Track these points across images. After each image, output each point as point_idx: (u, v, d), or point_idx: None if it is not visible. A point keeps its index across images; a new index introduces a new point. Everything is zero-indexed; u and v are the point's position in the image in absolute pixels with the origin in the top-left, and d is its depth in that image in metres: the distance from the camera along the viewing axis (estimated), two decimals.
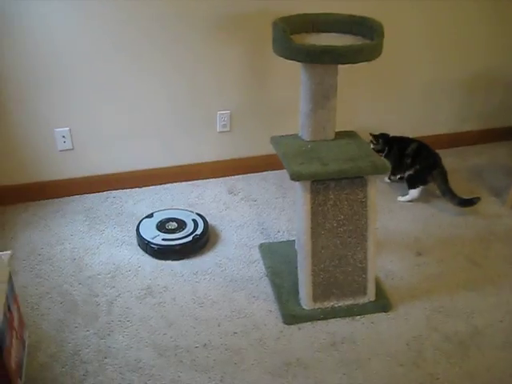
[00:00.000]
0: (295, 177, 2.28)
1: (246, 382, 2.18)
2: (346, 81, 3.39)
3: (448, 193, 3.29)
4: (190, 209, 3.21)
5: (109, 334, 2.40)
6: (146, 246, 2.87)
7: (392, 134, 3.63)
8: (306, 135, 2.52)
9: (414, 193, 3.42)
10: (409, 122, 3.95)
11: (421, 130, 3.91)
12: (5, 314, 1.63)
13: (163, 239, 2.89)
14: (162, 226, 2.99)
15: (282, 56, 2.32)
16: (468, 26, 3.81)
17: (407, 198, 3.44)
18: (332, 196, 2.36)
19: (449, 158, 3.71)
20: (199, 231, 2.96)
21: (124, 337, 2.39)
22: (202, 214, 3.13)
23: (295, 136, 2.58)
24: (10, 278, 1.76)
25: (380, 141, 3.51)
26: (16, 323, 1.74)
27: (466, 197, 3.28)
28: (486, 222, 3.24)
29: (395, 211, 3.33)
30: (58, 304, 2.57)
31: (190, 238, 2.90)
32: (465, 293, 2.68)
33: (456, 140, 4.09)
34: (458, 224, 3.22)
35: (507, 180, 3.41)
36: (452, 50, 3.86)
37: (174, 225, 3.01)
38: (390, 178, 3.65)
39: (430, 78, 3.91)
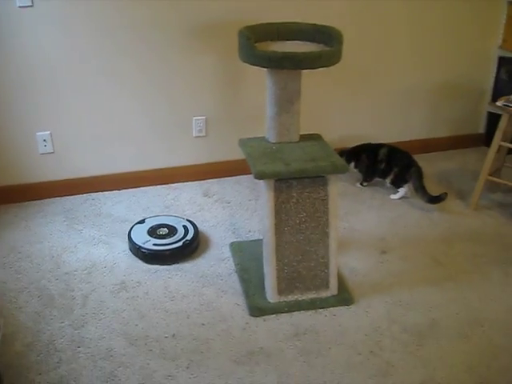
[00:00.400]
0: (259, 176, 2.41)
1: (211, 369, 2.30)
2: (319, 88, 3.58)
3: (421, 190, 3.50)
4: (180, 215, 3.31)
5: (83, 326, 2.52)
6: (137, 250, 2.97)
7: (365, 140, 3.79)
8: (271, 137, 2.66)
9: (402, 190, 3.64)
10: (382, 129, 4.11)
11: (393, 136, 4.06)
12: None
13: (154, 244, 2.98)
14: (153, 232, 3.06)
15: (246, 62, 2.46)
16: (437, 36, 3.98)
17: (398, 195, 3.66)
18: (294, 194, 2.50)
19: (419, 163, 3.86)
20: (189, 237, 3.04)
21: (97, 328, 2.51)
22: (192, 220, 3.23)
23: (262, 138, 2.72)
24: None
25: (343, 157, 3.64)
26: None
27: (435, 194, 3.46)
28: (450, 223, 3.38)
29: (363, 212, 3.47)
30: (36, 298, 2.69)
31: (180, 244, 2.98)
32: (425, 288, 2.82)
33: (427, 146, 4.24)
34: (423, 225, 3.36)
35: (473, 184, 3.56)
36: (422, 58, 4.04)
37: (165, 230, 3.08)
38: (362, 184, 3.79)
39: (402, 86, 4.07)
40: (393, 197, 3.66)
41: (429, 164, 3.97)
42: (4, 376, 2.18)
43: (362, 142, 3.79)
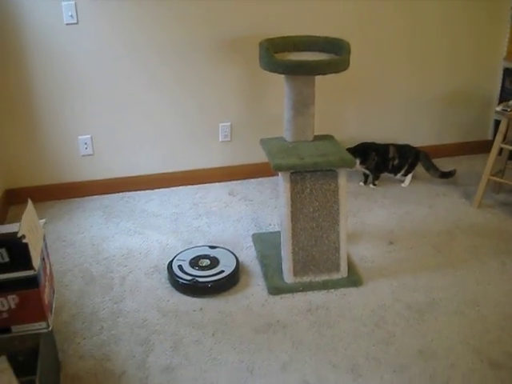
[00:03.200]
0: (277, 168, 2.76)
1: (233, 336, 2.63)
2: (334, 95, 3.94)
3: (432, 168, 4.08)
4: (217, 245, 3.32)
5: (121, 300, 2.87)
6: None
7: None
8: (288, 137, 3.01)
9: (410, 176, 4.16)
10: (391, 134, 4.42)
11: (402, 141, 4.36)
12: (42, 259, 2.11)
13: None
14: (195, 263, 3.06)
15: (266, 70, 2.81)
16: (446, 47, 4.32)
17: (409, 180, 4.17)
18: (308, 185, 2.83)
19: None
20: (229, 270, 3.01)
21: (133, 302, 2.86)
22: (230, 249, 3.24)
23: (280, 138, 3.06)
24: (45, 237, 2.25)
25: None
26: (48, 272, 2.21)
27: (445, 170, 4.06)
28: (454, 219, 3.67)
29: (374, 209, 3.79)
30: (79, 278, 3.05)
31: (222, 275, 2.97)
32: (427, 273, 3.11)
33: (436, 151, 4.52)
34: (429, 220, 3.66)
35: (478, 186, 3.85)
36: (432, 68, 4.37)
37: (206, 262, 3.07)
38: (374, 184, 4.11)
39: (412, 93, 4.40)
40: (404, 184, 4.14)
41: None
42: (55, 340, 2.52)
43: (361, 142, 4.15)
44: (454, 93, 4.46)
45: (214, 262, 3.07)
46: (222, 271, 2.98)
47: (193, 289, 2.91)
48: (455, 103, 4.52)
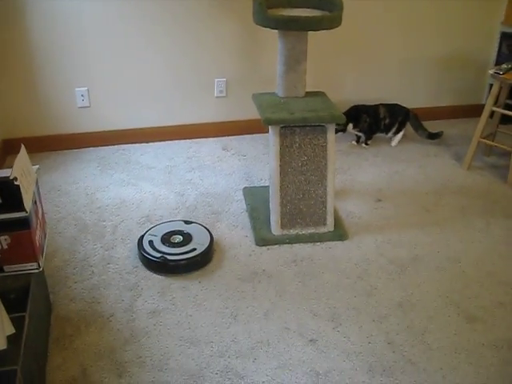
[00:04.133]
0: (266, 121, 2.81)
1: (219, 283, 2.71)
2: (329, 53, 3.97)
3: (420, 128, 4.18)
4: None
5: (112, 248, 2.95)
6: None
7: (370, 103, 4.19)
8: (280, 92, 3.05)
9: (401, 134, 4.21)
10: (386, 94, 4.44)
11: (398, 102, 4.40)
12: (34, 202, 2.18)
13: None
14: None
15: (259, 25, 2.84)
16: (444, 10, 4.32)
17: (398, 139, 4.23)
18: (297, 140, 2.89)
19: None
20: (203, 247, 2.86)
21: (124, 250, 2.94)
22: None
23: (272, 93, 3.11)
24: (37, 182, 2.32)
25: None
26: (40, 216, 2.28)
27: (433, 131, 4.16)
28: (443, 180, 3.73)
29: (364, 167, 3.85)
30: (72, 226, 3.13)
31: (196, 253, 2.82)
32: (413, 230, 3.18)
33: (431, 114, 4.56)
34: (418, 180, 3.72)
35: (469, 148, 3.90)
36: (429, 30, 4.38)
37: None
38: (366, 143, 4.16)
39: (408, 54, 4.42)
40: (394, 143, 4.21)
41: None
42: (47, 283, 2.60)
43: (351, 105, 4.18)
44: (449, 56, 4.48)
45: (187, 238, 2.91)
46: (194, 249, 2.83)
47: (162, 267, 2.78)
48: (451, 66, 4.54)
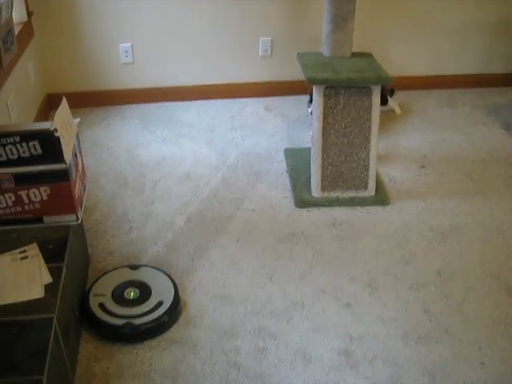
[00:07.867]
0: (310, 80, 2.76)
1: (257, 243, 2.70)
2: (379, 15, 3.85)
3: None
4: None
5: (151, 204, 2.96)
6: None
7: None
8: (326, 52, 2.98)
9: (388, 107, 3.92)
10: (436, 60, 4.32)
11: (447, 68, 4.28)
12: (74, 155, 2.18)
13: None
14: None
15: None
16: None
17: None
18: (342, 101, 2.83)
19: (470, 96, 4.15)
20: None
21: (163, 206, 2.94)
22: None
23: (318, 53, 3.04)
24: (78, 135, 2.32)
25: None
26: (80, 169, 2.29)
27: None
28: (490, 149, 3.62)
29: (409, 133, 3.76)
30: (113, 181, 3.14)
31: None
32: (456, 199, 3.11)
33: (480, 81, 4.41)
34: (464, 147, 3.62)
35: None
36: None
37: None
38: None
39: (459, 20, 4.25)
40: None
41: (480, 97, 4.19)
42: (86, 236, 2.62)
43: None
44: (503, 20, 4.31)
45: (145, 290, 2.26)
46: (161, 303, 2.20)
47: (130, 335, 2.12)
48: (503, 32, 4.36)
